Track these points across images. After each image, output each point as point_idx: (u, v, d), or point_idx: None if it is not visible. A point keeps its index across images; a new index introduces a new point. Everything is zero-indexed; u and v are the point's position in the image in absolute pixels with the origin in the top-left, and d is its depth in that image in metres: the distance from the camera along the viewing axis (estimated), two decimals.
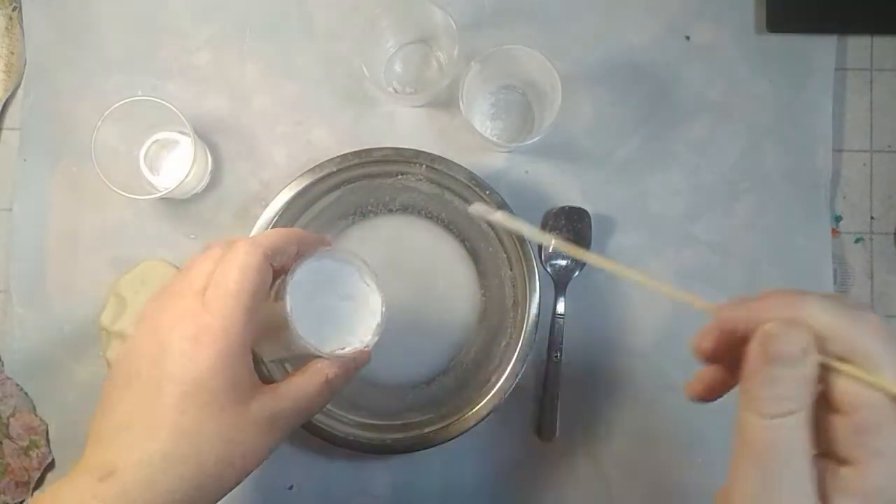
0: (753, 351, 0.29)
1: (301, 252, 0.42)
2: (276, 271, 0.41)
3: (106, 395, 0.39)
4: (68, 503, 0.36)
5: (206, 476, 0.37)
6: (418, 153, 0.56)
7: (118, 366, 0.39)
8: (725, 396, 0.35)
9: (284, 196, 0.56)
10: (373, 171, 0.57)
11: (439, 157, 0.56)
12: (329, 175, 0.56)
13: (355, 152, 0.57)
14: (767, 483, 0.28)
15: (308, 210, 0.57)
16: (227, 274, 0.38)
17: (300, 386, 0.41)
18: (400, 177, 0.58)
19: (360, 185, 0.58)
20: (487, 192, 0.56)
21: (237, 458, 0.38)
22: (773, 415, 0.28)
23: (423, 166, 0.56)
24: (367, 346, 0.44)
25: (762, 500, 0.28)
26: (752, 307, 0.31)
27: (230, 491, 0.39)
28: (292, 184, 0.56)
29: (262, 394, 0.39)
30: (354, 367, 0.43)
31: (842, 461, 0.29)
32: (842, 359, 0.29)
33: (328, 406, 0.56)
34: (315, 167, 0.56)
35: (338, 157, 0.56)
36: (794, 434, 0.28)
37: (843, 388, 0.29)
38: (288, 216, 0.56)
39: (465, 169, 0.56)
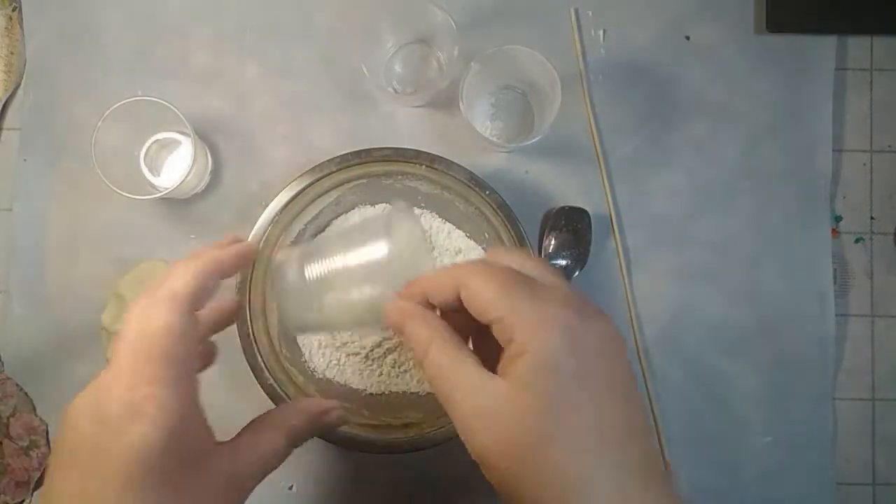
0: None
1: (224, 275, 0.40)
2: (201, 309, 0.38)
3: (48, 477, 0.35)
4: None
5: None
6: (419, 153, 0.56)
7: (58, 445, 0.35)
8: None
9: (284, 197, 0.56)
10: (373, 171, 0.57)
11: (439, 157, 0.56)
12: (329, 175, 0.56)
13: (355, 152, 0.57)
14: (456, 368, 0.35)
15: (307, 210, 0.57)
16: (152, 338, 0.35)
17: (258, 441, 0.38)
18: (400, 177, 0.58)
19: (360, 186, 0.58)
20: (487, 192, 0.56)
21: None
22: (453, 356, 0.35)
23: (424, 166, 0.56)
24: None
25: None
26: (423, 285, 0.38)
27: None
28: (292, 184, 0.56)
29: (220, 455, 0.36)
30: (323, 419, 0.42)
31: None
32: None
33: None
34: (315, 167, 0.56)
35: (338, 157, 0.56)
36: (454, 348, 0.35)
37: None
38: (287, 217, 0.56)
39: (465, 169, 0.56)
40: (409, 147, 0.57)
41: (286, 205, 0.56)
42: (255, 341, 0.55)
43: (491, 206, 0.56)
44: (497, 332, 0.34)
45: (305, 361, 0.58)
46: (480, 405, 0.33)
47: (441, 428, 0.55)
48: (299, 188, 0.56)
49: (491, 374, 0.34)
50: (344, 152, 0.57)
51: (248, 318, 0.55)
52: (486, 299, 0.34)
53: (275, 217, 0.56)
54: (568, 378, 0.32)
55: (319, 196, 0.57)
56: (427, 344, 0.35)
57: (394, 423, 0.56)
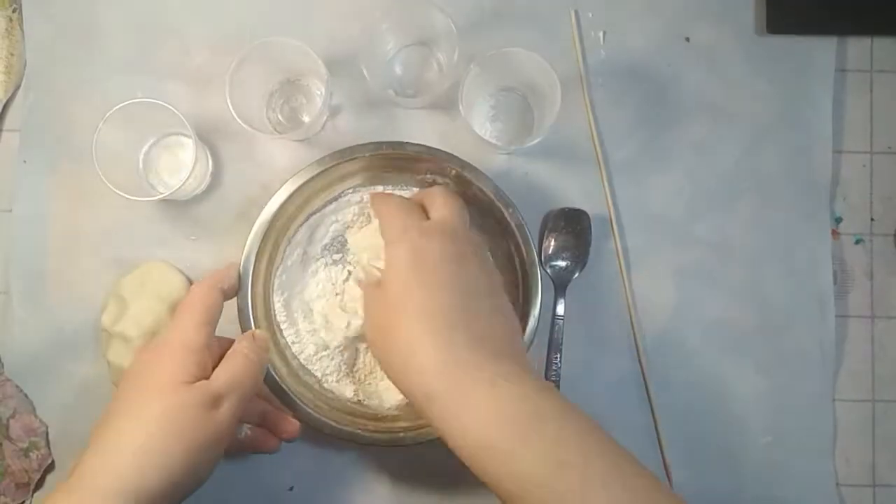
0: None
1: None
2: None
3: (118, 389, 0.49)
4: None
5: (178, 442, 0.45)
6: (450, 157, 0.56)
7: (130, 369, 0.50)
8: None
9: (287, 187, 0.56)
10: (401, 166, 0.57)
11: (469, 164, 0.56)
12: (356, 159, 0.56)
13: (389, 143, 0.57)
14: None
15: (320, 194, 0.58)
16: (186, 306, 0.50)
17: (223, 365, 0.49)
18: (428, 175, 0.58)
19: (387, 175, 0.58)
20: (510, 211, 0.56)
21: (191, 429, 0.45)
22: None
23: (454, 172, 0.56)
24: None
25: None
26: None
27: (214, 458, 0.47)
28: (300, 172, 0.56)
29: (204, 382, 0.47)
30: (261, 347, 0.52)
31: None
32: None
33: (331, 404, 0.56)
34: (345, 149, 0.56)
35: (371, 143, 0.56)
36: None
37: None
38: (298, 201, 0.57)
39: (492, 181, 0.56)
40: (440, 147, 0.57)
41: (294, 193, 0.56)
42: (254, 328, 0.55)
43: (511, 224, 0.56)
44: None
45: None
46: (366, 304, 0.50)
47: None
48: (318, 170, 0.56)
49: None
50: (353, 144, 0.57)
51: (249, 307, 0.56)
52: (380, 225, 0.51)
53: (287, 199, 0.56)
54: (407, 279, 0.47)
55: (344, 177, 0.57)
56: None
57: (396, 421, 0.56)
